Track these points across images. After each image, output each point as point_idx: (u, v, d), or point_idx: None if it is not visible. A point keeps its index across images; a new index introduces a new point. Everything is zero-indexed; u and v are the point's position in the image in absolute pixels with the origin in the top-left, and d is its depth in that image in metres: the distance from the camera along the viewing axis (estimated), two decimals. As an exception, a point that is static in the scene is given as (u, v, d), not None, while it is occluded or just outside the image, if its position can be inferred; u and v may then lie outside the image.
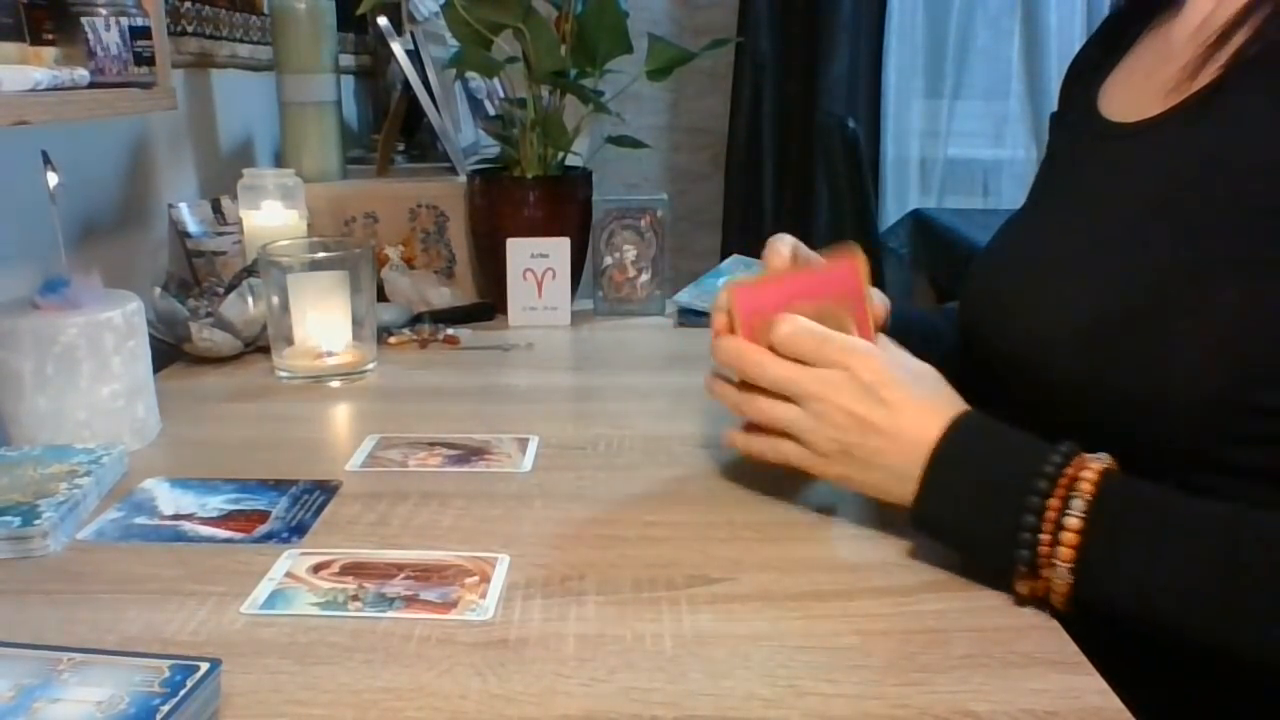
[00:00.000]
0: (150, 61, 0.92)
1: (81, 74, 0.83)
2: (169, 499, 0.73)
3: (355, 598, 0.59)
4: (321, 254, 1.03)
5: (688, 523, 0.69)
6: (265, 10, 1.47)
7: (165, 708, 0.44)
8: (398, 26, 1.43)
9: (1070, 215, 0.72)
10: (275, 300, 0.99)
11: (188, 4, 1.26)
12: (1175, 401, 0.59)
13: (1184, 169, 0.63)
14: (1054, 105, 0.85)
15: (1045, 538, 0.55)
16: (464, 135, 1.50)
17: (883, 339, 0.67)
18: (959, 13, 2.97)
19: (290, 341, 1.01)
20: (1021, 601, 0.58)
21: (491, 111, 1.65)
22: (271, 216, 1.15)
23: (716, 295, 0.70)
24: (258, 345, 1.06)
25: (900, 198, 3.03)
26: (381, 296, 1.19)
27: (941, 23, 2.99)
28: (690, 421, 0.88)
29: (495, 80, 1.61)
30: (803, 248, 0.73)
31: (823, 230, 2.98)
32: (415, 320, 1.18)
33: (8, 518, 0.65)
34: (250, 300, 1.04)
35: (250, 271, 1.06)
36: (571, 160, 1.31)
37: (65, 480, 0.70)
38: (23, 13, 0.80)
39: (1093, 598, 0.55)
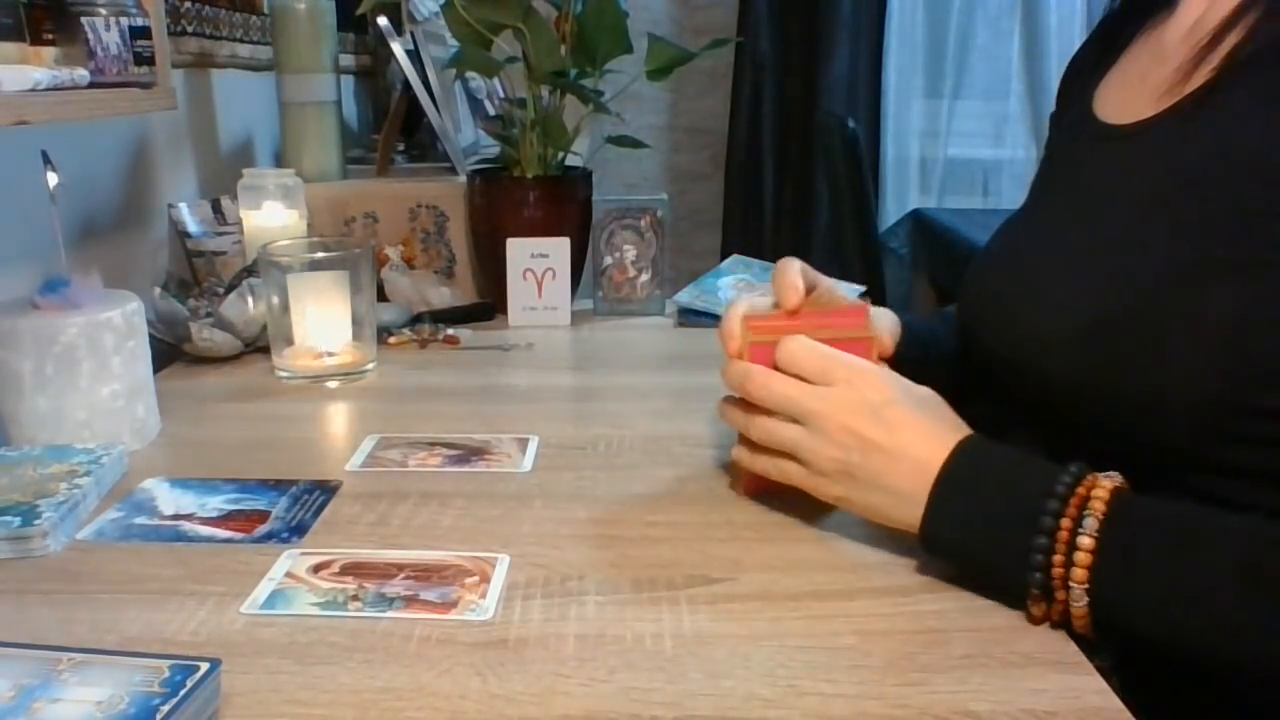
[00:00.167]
0: (150, 61, 0.93)
1: (81, 74, 0.83)
2: (169, 499, 0.73)
3: (355, 598, 0.59)
4: (321, 254, 1.04)
5: (688, 523, 0.69)
6: (265, 10, 1.47)
7: (165, 708, 0.44)
8: (398, 26, 1.42)
9: (1067, 216, 0.72)
10: (275, 300, 0.99)
11: (188, 4, 1.26)
12: (1173, 402, 0.59)
13: (1179, 170, 0.63)
14: (1054, 105, 0.85)
15: (1058, 558, 0.54)
16: (464, 135, 1.50)
17: (885, 369, 0.67)
18: (959, 13, 2.97)
19: (290, 341, 1.01)
20: (1036, 623, 0.57)
21: (491, 111, 1.65)
22: (271, 216, 1.15)
23: (726, 319, 0.70)
24: (258, 345, 1.06)
25: (900, 198, 3.03)
26: (381, 296, 1.19)
27: (941, 23, 2.98)
28: (690, 421, 0.88)
29: (495, 80, 1.61)
30: (810, 270, 0.73)
31: (823, 230, 2.98)
32: (415, 320, 1.18)
33: (8, 518, 0.65)
34: (250, 300, 1.04)
35: (250, 271, 1.06)
36: (571, 160, 1.31)
37: (65, 480, 0.70)
38: (23, 13, 0.80)
39: (1110, 619, 0.54)
